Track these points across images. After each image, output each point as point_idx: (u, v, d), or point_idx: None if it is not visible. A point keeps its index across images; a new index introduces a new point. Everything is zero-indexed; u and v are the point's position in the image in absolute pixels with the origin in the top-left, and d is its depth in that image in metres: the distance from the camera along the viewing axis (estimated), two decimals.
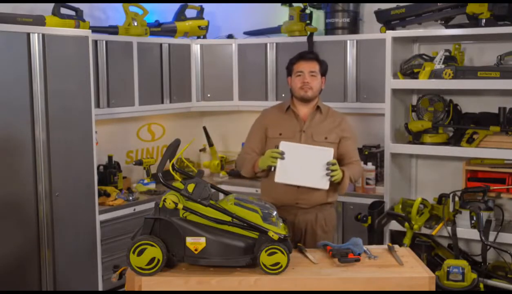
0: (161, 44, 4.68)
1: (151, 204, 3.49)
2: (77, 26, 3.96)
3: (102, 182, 4.33)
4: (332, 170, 3.04)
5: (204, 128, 5.12)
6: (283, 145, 3.06)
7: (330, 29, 4.74)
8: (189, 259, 2.40)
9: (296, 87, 3.28)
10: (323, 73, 3.32)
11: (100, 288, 4.00)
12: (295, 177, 3.06)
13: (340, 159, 3.21)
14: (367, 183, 4.44)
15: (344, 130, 3.32)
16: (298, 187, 3.15)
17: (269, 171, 3.15)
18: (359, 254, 2.60)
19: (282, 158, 3.04)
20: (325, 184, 3.06)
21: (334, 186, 3.19)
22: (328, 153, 3.05)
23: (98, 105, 4.16)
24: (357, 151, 3.41)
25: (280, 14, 4.99)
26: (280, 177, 3.06)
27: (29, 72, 3.53)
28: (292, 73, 3.31)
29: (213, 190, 2.63)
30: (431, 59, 4.06)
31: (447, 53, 3.99)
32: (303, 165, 3.04)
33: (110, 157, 4.51)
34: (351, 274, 2.45)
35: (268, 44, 4.86)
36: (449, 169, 4.35)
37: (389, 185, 4.15)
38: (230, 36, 5.14)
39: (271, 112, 3.40)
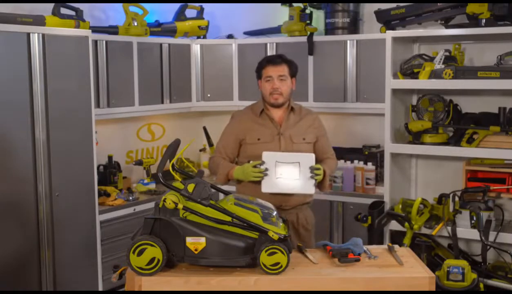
0: (161, 44, 4.68)
1: (151, 204, 3.49)
2: (77, 26, 3.96)
3: (102, 182, 4.33)
4: (317, 174, 3.08)
5: (204, 128, 5.12)
6: (266, 156, 3.07)
7: (330, 29, 4.74)
8: (189, 259, 2.40)
9: (266, 93, 3.26)
10: (293, 74, 3.31)
11: (100, 288, 4.00)
12: (281, 186, 3.09)
13: (316, 156, 3.23)
14: (367, 183, 4.44)
15: (319, 127, 3.36)
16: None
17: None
18: (359, 254, 2.59)
19: (265, 170, 3.04)
20: (310, 189, 3.11)
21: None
22: (310, 158, 3.09)
23: (98, 105, 4.16)
24: (331, 146, 3.45)
25: (280, 14, 4.99)
26: (266, 187, 3.08)
27: (29, 72, 3.53)
28: (262, 77, 3.29)
29: (213, 190, 2.63)
30: (431, 59, 4.06)
31: (447, 53, 3.99)
32: (287, 173, 3.07)
33: (110, 157, 4.51)
34: (351, 274, 2.45)
35: (268, 44, 4.86)
36: (449, 169, 4.35)
37: (389, 185, 4.15)
38: (230, 36, 5.14)
39: (245, 116, 3.35)
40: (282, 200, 3.20)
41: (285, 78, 3.25)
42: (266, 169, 3.05)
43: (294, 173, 3.06)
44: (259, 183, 3.10)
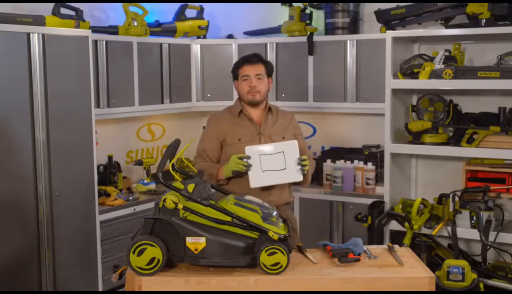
0: (161, 44, 4.68)
1: (151, 204, 3.49)
2: (77, 26, 3.96)
3: (102, 182, 4.32)
4: (304, 165, 3.07)
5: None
6: (248, 150, 3.06)
7: (330, 29, 4.74)
8: (189, 259, 2.40)
9: (243, 92, 3.27)
10: (269, 74, 3.31)
11: (100, 288, 4.00)
12: (269, 178, 3.07)
13: None
14: (367, 183, 4.44)
15: (296, 127, 3.38)
16: (265, 189, 3.16)
17: (230, 179, 3.15)
18: (359, 254, 2.59)
19: (249, 164, 3.02)
20: (299, 176, 3.09)
21: (291, 185, 3.29)
22: (293, 145, 3.08)
23: (98, 105, 4.15)
24: (306, 145, 3.49)
25: (280, 14, 4.99)
26: (255, 182, 3.06)
27: (29, 72, 3.53)
28: (238, 77, 3.29)
29: (213, 190, 2.63)
30: (431, 59, 4.06)
31: (447, 53, 4.00)
32: (273, 164, 3.05)
33: (110, 157, 4.51)
34: (351, 274, 2.45)
35: (268, 44, 4.86)
36: (449, 169, 4.35)
37: (389, 185, 4.15)
38: (230, 36, 5.14)
39: (223, 118, 3.35)
40: (268, 200, 3.12)
41: (262, 77, 3.26)
42: (250, 165, 3.02)
43: (280, 163, 3.05)
44: (247, 180, 3.07)
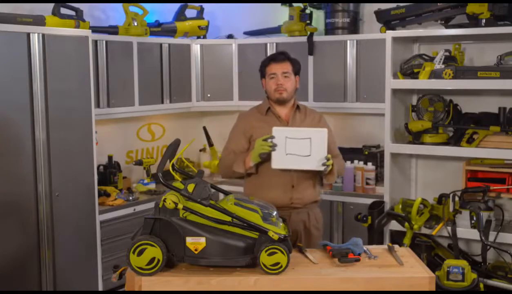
0: (161, 44, 4.68)
1: (151, 204, 3.49)
2: (77, 26, 3.96)
3: (102, 182, 4.33)
4: (328, 165, 3.06)
5: (204, 128, 5.12)
6: (276, 131, 3.04)
7: (330, 29, 4.74)
8: (189, 259, 2.40)
9: (271, 90, 3.27)
10: (296, 72, 3.31)
11: (100, 288, 4.00)
12: (291, 162, 3.03)
13: None
14: (367, 183, 4.44)
15: (324, 126, 3.33)
16: (293, 186, 3.18)
17: (258, 167, 3.15)
18: (359, 254, 2.59)
19: (274, 145, 3.00)
20: (321, 166, 3.05)
21: (320, 183, 3.30)
22: (322, 134, 3.04)
23: (98, 105, 4.15)
24: (337, 146, 3.45)
25: (280, 14, 4.99)
26: (276, 163, 3.04)
27: (29, 72, 3.53)
28: (266, 75, 3.30)
29: (213, 190, 2.63)
30: (431, 59, 4.06)
31: (447, 53, 3.99)
32: (298, 149, 3.01)
33: (110, 157, 4.51)
34: (351, 274, 2.45)
35: (268, 44, 4.86)
36: (449, 169, 4.35)
37: (389, 185, 4.15)
38: (230, 36, 5.14)
39: (251, 115, 3.36)
40: (294, 197, 3.20)
41: (289, 75, 3.25)
42: (275, 145, 3.01)
43: (305, 149, 3.00)
44: (272, 176, 3.06)
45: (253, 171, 3.20)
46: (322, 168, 3.06)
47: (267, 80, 3.29)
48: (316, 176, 3.28)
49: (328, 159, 3.04)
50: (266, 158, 3.09)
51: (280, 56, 3.30)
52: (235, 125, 3.40)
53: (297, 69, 3.31)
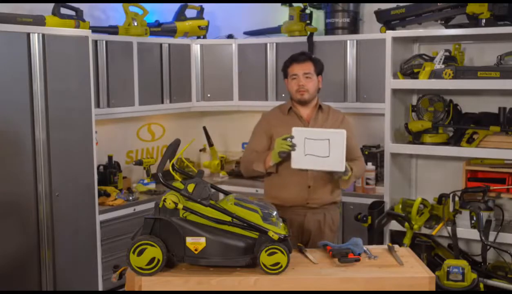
0: (161, 44, 4.68)
1: (151, 204, 3.49)
2: (77, 26, 3.96)
3: (102, 182, 4.33)
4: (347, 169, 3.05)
5: (204, 128, 5.12)
6: (295, 131, 3.04)
7: (330, 29, 4.74)
8: (189, 259, 2.40)
9: (292, 90, 3.28)
10: (319, 72, 3.31)
11: (100, 288, 3.99)
12: (310, 162, 3.04)
13: None
14: (367, 183, 4.44)
15: (347, 127, 3.31)
16: (309, 186, 3.19)
17: (278, 167, 3.15)
18: (359, 254, 2.60)
19: (293, 144, 3.01)
20: (341, 166, 3.03)
21: (339, 183, 3.25)
22: (341, 135, 3.02)
23: (98, 105, 4.15)
24: (359, 148, 3.44)
25: (280, 14, 4.99)
26: (296, 163, 3.05)
27: (29, 72, 3.53)
28: (288, 76, 3.30)
29: (213, 190, 2.63)
30: (431, 59, 4.06)
31: (447, 53, 4.00)
32: (317, 149, 3.01)
33: (110, 157, 4.51)
34: (351, 274, 2.45)
35: (268, 44, 4.86)
36: (449, 169, 4.35)
37: (389, 185, 4.15)
38: (230, 36, 5.14)
39: (273, 115, 3.37)
40: (311, 198, 3.20)
41: (311, 75, 3.25)
42: (294, 145, 3.01)
43: (324, 150, 3.00)
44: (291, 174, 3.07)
45: (273, 171, 3.22)
46: (341, 169, 3.04)
47: (289, 80, 3.29)
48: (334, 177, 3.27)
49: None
50: (286, 158, 3.09)
51: (302, 56, 3.30)
52: (257, 124, 3.41)
53: (319, 69, 3.30)
